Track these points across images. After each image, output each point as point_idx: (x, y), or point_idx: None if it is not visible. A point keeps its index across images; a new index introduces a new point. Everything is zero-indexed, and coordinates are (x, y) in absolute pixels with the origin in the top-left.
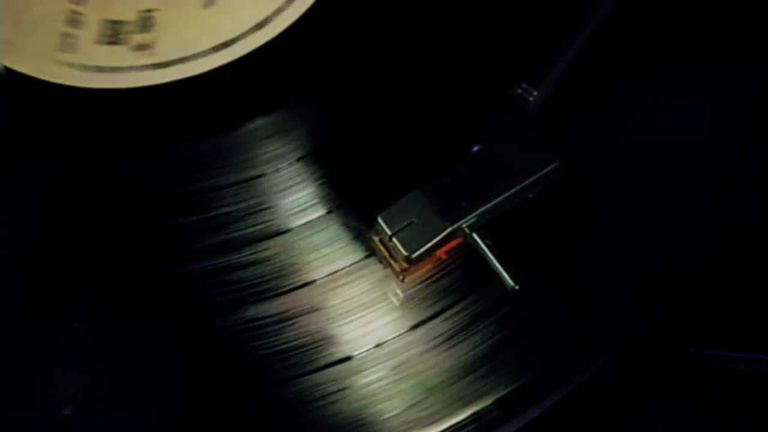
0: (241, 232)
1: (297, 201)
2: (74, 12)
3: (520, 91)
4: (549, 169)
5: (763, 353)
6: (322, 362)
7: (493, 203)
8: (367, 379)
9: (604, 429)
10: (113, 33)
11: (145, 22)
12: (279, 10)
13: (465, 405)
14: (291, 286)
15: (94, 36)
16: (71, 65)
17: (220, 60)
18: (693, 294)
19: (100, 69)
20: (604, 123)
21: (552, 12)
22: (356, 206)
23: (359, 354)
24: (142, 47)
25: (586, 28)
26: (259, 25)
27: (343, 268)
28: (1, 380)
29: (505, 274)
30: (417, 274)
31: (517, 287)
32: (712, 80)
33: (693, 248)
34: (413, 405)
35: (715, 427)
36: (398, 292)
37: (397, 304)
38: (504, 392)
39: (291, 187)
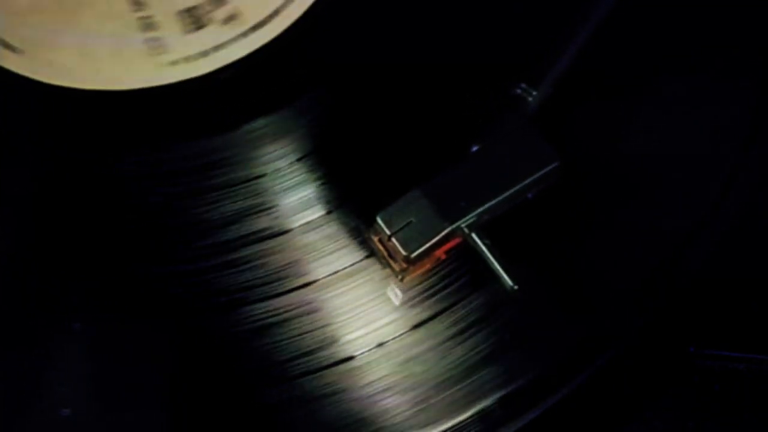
0: (241, 232)
1: (297, 201)
2: (142, 18)
3: (519, 90)
4: (548, 168)
5: (763, 353)
6: (323, 362)
7: (492, 203)
8: (368, 379)
9: (605, 429)
10: (194, 19)
11: None
12: (270, 17)
13: (465, 405)
14: (291, 287)
15: (178, 29)
16: (173, 63)
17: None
18: (693, 294)
19: (204, 54)
20: (603, 123)
21: (551, 11)
22: (356, 206)
23: (360, 354)
24: (230, 18)
25: (585, 27)
26: (253, 29)
27: (343, 268)
28: (0, 381)
29: (504, 275)
30: (416, 273)
31: (516, 287)
32: (712, 80)
33: (693, 248)
34: (414, 405)
35: (715, 427)
36: (398, 292)
37: (396, 303)
38: (504, 392)
39: (291, 187)
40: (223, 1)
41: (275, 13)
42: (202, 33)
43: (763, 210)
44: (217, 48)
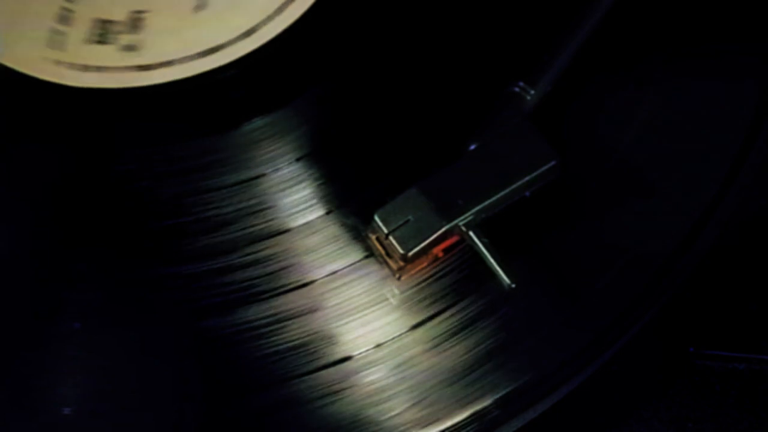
0: (241, 232)
1: (296, 201)
2: (65, 9)
3: (517, 89)
4: (546, 166)
5: (763, 353)
6: (322, 362)
7: (490, 201)
8: (367, 379)
9: (604, 429)
10: (102, 32)
11: (135, 23)
12: (269, 18)
13: (465, 405)
14: (291, 286)
15: (83, 35)
16: (58, 63)
17: (206, 65)
18: (693, 294)
19: (86, 68)
20: (601, 121)
21: (550, 9)
22: (355, 206)
23: (359, 354)
24: (129, 48)
25: (584, 25)
26: (249, 32)
27: (342, 268)
28: (1, 380)
29: (501, 273)
30: (413, 272)
31: (513, 286)
32: (712, 79)
33: (693, 248)
34: (413, 405)
35: (715, 427)
36: (395, 291)
37: (394, 303)
38: (503, 392)
39: (290, 187)
40: (138, 28)
41: (170, 63)
42: (98, 48)
43: (763, 210)
44: (99, 69)
